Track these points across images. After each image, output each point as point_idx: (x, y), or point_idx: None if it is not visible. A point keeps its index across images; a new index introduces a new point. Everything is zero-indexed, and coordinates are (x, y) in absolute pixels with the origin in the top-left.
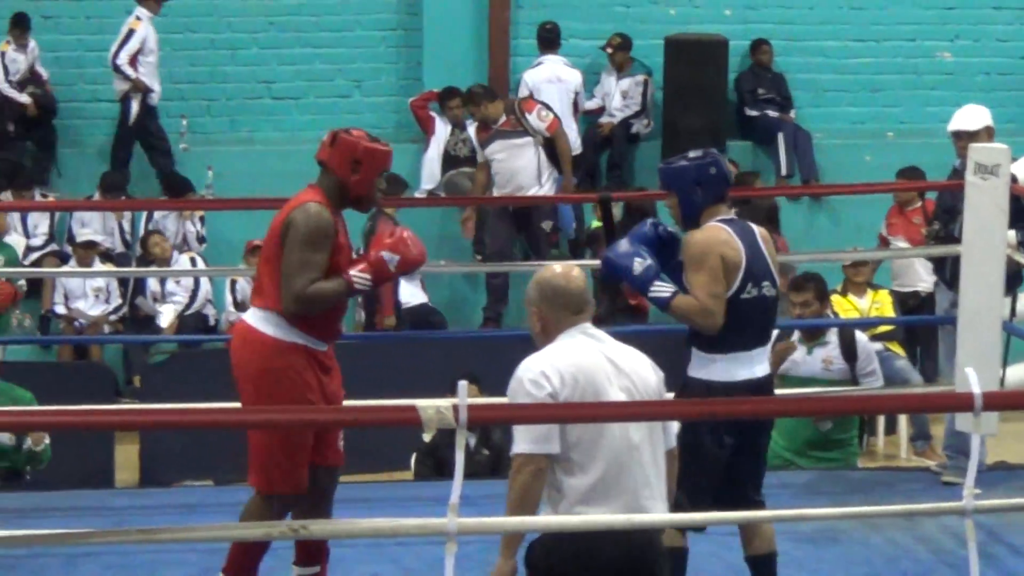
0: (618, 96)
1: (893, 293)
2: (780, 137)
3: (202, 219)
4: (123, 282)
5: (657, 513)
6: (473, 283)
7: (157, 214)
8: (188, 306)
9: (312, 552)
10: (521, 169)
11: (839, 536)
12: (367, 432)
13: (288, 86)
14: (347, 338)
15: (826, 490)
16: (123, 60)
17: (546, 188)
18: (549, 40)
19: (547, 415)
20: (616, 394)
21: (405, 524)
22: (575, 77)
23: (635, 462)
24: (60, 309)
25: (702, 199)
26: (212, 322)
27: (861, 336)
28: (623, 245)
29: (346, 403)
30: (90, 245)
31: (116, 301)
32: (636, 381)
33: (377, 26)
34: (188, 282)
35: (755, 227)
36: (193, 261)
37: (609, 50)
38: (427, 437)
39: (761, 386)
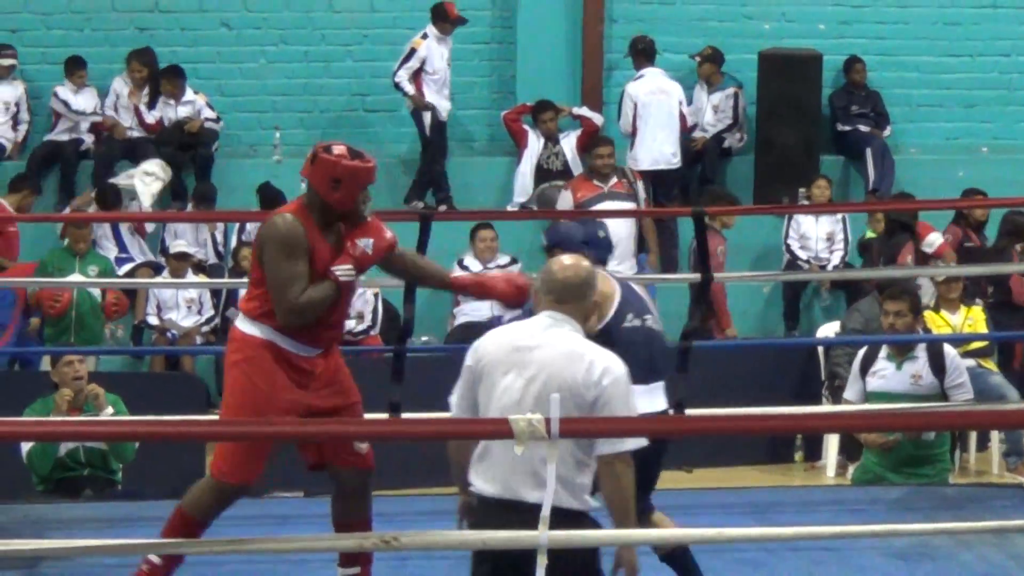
0: (710, 111)
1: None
2: (868, 152)
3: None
4: (215, 293)
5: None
6: None
7: (249, 226)
8: None
9: (353, 553)
10: (625, 237)
11: (930, 552)
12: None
13: (381, 99)
14: (434, 350)
15: (918, 506)
16: (402, 77)
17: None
18: (647, 53)
19: (639, 428)
20: (506, 378)
21: (495, 536)
22: (677, 89)
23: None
24: (153, 320)
25: (597, 254)
26: None
27: (950, 350)
28: None
29: (439, 415)
30: (183, 256)
31: (208, 312)
32: (546, 375)
33: (471, 39)
34: None
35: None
36: None
37: (698, 59)
38: (519, 450)
39: None
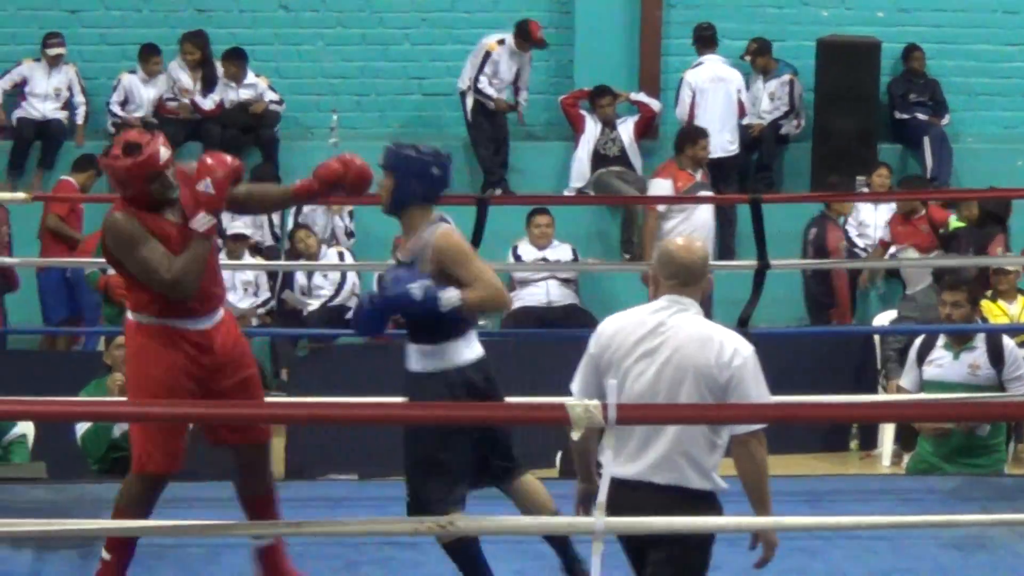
0: (766, 98)
1: None
2: (926, 141)
3: (351, 214)
4: (271, 275)
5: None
6: (623, 282)
7: (306, 208)
8: (332, 299)
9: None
10: (703, 224)
11: (986, 543)
12: (513, 430)
13: (438, 82)
14: (494, 335)
15: (973, 496)
16: (484, 83)
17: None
18: (707, 40)
19: (702, 415)
20: (638, 365)
21: (552, 522)
22: (736, 76)
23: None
24: None
25: (418, 194)
26: None
27: (1009, 341)
28: (391, 276)
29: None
30: (240, 238)
31: (265, 294)
32: (676, 359)
33: None
34: (335, 276)
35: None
36: (341, 255)
37: (748, 58)
38: (575, 436)
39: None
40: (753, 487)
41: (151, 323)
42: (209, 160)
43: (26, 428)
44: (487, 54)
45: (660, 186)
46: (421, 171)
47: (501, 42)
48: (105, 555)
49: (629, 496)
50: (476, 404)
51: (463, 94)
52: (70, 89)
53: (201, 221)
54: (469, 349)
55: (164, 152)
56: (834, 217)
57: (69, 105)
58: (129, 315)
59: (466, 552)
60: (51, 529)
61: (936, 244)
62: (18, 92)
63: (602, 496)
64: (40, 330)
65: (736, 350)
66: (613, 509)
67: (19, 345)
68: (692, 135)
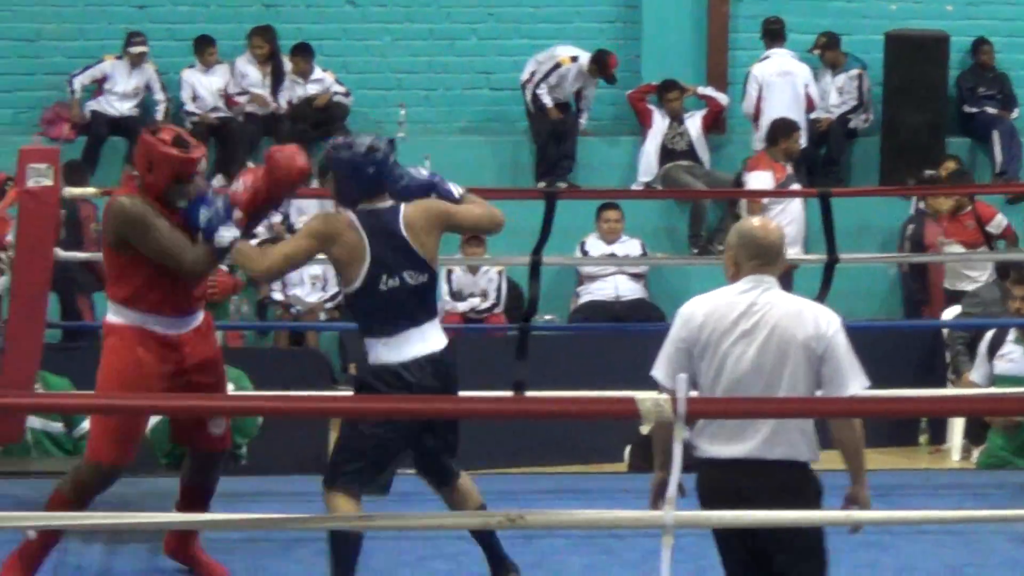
0: (834, 92)
1: None
2: (995, 134)
3: None
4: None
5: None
6: (690, 276)
7: None
8: None
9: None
10: (799, 216)
11: None
12: (580, 424)
13: (505, 77)
14: (562, 328)
15: None
16: (543, 92)
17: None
18: (775, 34)
19: (763, 410)
20: (736, 347)
21: (622, 516)
22: (804, 71)
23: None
24: (277, 296)
25: (358, 192)
26: None
27: None
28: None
29: (563, 394)
30: None
31: (332, 289)
32: (776, 336)
33: (596, 18)
34: None
35: (410, 213)
36: None
37: (817, 51)
38: (645, 429)
39: (441, 359)
40: (853, 455)
41: (126, 323)
42: (260, 166)
43: None
44: (556, 65)
45: (760, 179)
46: (356, 170)
47: (574, 59)
48: (31, 535)
49: (734, 477)
50: (545, 398)
51: (523, 87)
52: (149, 87)
53: (223, 236)
54: (392, 351)
55: (201, 164)
56: (931, 213)
57: (145, 103)
58: (108, 314)
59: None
60: (121, 522)
61: (982, 241)
62: (95, 88)
63: (672, 490)
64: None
65: (829, 320)
66: (712, 494)
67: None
68: (786, 128)
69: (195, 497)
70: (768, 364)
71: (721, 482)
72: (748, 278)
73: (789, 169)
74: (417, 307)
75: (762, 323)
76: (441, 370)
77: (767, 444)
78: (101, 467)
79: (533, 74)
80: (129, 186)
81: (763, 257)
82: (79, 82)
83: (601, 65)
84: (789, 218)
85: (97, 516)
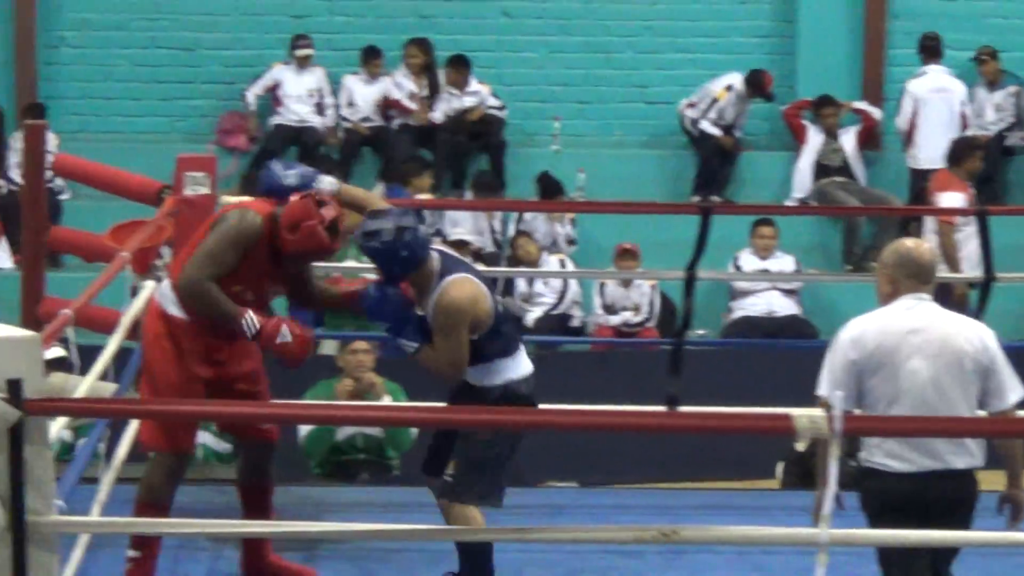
0: (991, 109)
1: None
2: None
3: (572, 221)
4: (492, 282)
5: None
6: (844, 293)
7: (528, 215)
8: (554, 307)
9: (140, 536)
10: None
11: None
12: (733, 439)
13: (661, 91)
14: (710, 344)
15: None
16: (706, 125)
17: None
18: (932, 50)
19: (922, 428)
20: (910, 362)
21: (776, 533)
22: (959, 88)
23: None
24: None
25: (401, 271)
26: (576, 323)
27: None
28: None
29: (718, 409)
30: (461, 244)
31: None
32: (946, 351)
33: (752, 33)
34: (557, 283)
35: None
36: (562, 263)
37: (984, 56)
38: (800, 446)
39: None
40: (1014, 458)
41: (176, 315)
42: (302, 340)
43: None
44: (714, 101)
45: (953, 199)
46: (391, 256)
47: (729, 88)
48: (132, 553)
49: (919, 489)
50: (699, 412)
51: (681, 113)
52: (320, 91)
53: (248, 322)
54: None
55: (283, 335)
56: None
57: (320, 107)
58: (155, 297)
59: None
60: (277, 531)
61: None
62: (271, 98)
63: (827, 507)
64: None
65: (987, 333)
66: (890, 505)
67: None
68: (969, 147)
69: (256, 498)
70: (943, 378)
71: (902, 494)
72: (909, 296)
73: (972, 188)
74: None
75: (932, 339)
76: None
77: (952, 455)
78: (163, 458)
79: (693, 106)
80: (269, 213)
81: (921, 276)
82: (252, 94)
83: (757, 86)
84: (972, 238)
85: (251, 525)
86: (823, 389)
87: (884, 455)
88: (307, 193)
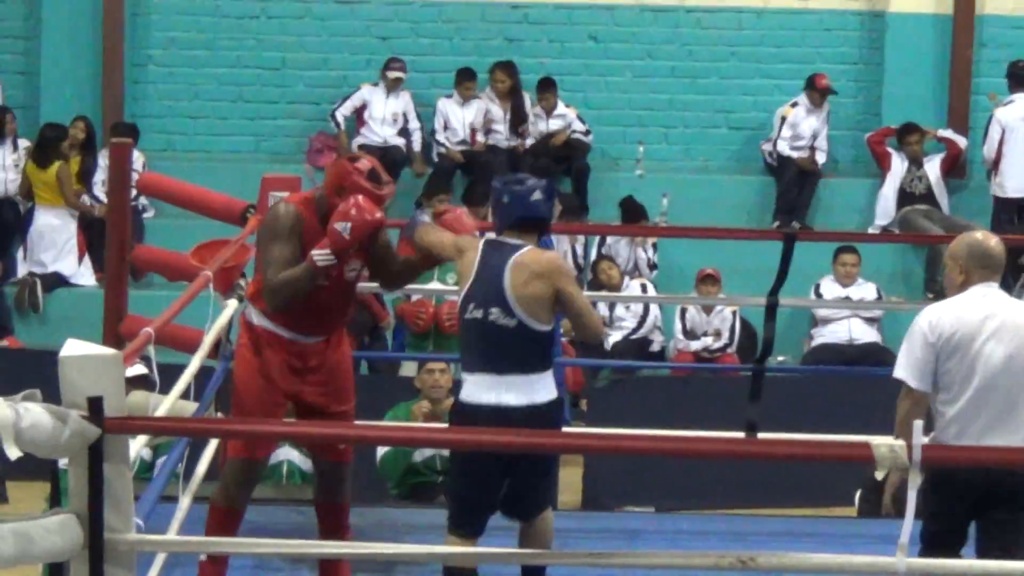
0: None
1: None
2: None
3: (654, 245)
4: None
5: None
6: None
7: (610, 239)
8: (635, 331)
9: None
10: None
11: None
12: (811, 466)
13: (746, 116)
14: (796, 370)
15: None
16: (783, 147)
17: None
18: (1021, 78)
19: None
20: (986, 346)
21: (854, 561)
22: None
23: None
24: None
25: (499, 220)
26: (657, 348)
27: None
28: None
29: (797, 436)
30: None
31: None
32: (1019, 335)
33: (838, 60)
34: (637, 308)
35: (519, 257)
36: (644, 287)
37: None
38: (879, 475)
39: (507, 414)
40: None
41: (259, 324)
42: (359, 205)
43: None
44: (783, 119)
45: None
46: (496, 199)
47: (794, 104)
48: (203, 557)
49: (989, 476)
50: (775, 440)
51: (763, 154)
52: (406, 115)
53: (319, 255)
54: (470, 392)
55: (378, 214)
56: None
57: (405, 132)
58: (246, 311)
59: None
60: (353, 552)
61: None
62: (356, 118)
63: (904, 537)
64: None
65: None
66: (967, 488)
67: None
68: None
69: (332, 518)
70: (1016, 362)
71: (982, 472)
72: (981, 285)
73: None
74: (501, 352)
75: (1005, 325)
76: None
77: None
78: (235, 462)
79: (769, 140)
80: (302, 195)
81: (992, 266)
82: (341, 115)
83: (812, 86)
84: None
85: (327, 546)
86: (902, 372)
87: (954, 438)
88: (339, 155)
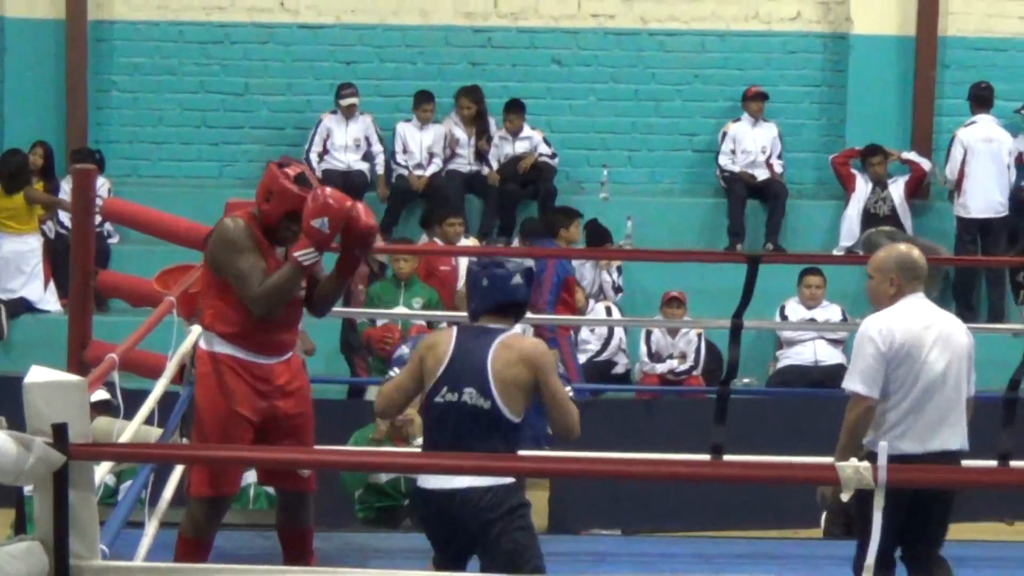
0: None
1: None
2: None
3: (619, 269)
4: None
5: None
6: None
7: (575, 262)
8: (599, 353)
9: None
10: None
11: None
12: (777, 489)
13: (709, 139)
14: (759, 392)
15: None
16: (724, 162)
17: None
18: (983, 99)
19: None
20: (931, 354)
21: None
22: (1007, 138)
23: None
24: None
25: (476, 303)
26: (621, 370)
27: None
28: None
29: (763, 459)
30: None
31: None
32: (952, 343)
33: (801, 82)
34: (602, 330)
35: (505, 339)
36: (608, 310)
37: (1022, 113)
38: (845, 497)
39: (468, 495)
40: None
41: (220, 352)
42: (330, 199)
43: None
44: (724, 134)
45: None
46: (473, 283)
47: (736, 120)
48: None
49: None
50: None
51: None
52: (367, 139)
53: (302, 255)
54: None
55: (322, 222)
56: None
57: (368, 155)
58: (200, 343)
59: None
60: None
61: None
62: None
63: (870, 558)
64: (329, 379)
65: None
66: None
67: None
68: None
69: (295, 543)
70: (953, 368)
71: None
72: (912, 295)
73: None
74: (471, 435)
75: (943, 334)
76: (456, 509)
77: (956, 439)
78: (204, 500)
79: (717, 160)
80: (242, 211)
81: (920, 277)
82: (315, 153)
83: (744, 98)
84: None
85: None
86: (855, 383)
87: (900, 439)
88: (274, 161)
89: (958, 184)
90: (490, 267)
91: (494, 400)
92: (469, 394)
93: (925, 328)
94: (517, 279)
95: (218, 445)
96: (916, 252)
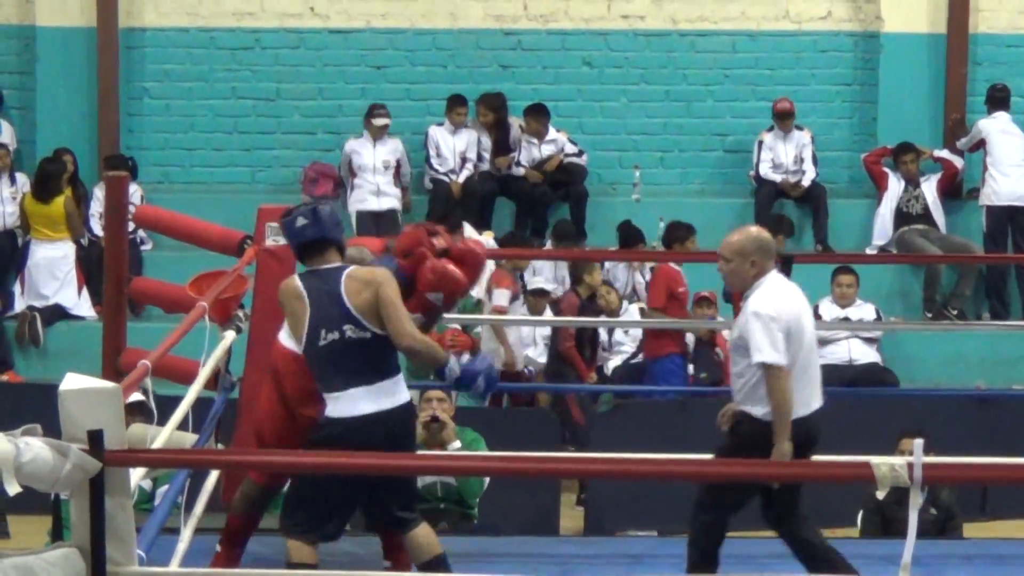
0: None
1: None
2: None
3: (652, 270)
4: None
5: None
6: (925, 341)
7: (608, 264)
8: (634, 355)
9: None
10: None
11: None
12: (813, 488)
13: (741, 139)
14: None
15: None
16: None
17: None
18: (999, 100)
19: (991, 476)
20: (807, 324)
21: None
22: (1020, 134)
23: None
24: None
25: (295, 255)
26: None
27: None
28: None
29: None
30: (541, 293)
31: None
32: (808, 313)
33: (832, 81)
34: (636, 332)
35: (348, 272)
36: (642, 312)
37: None
38: (881, 494)
39: (387, 416)
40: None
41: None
42: (448, 276)
43: None
44: (760, 142)
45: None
46: (288, 233)
47: (770, 128)
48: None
49: (818, 424)
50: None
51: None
52: (399, 162)
53: (414, 320)
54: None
55: (438, 297)
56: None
57: (398, 178)
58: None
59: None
60: None
61: None
62: (348, 171)
63: (907, 556)
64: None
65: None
66: (810, 439)
67: None
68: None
69: (237, 530)
70: (813, 336)
71: (814, 428)
72: (774, 273)
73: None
74: (366, 364)
75: (804, 302)
76: (392, 429)
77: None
78: (258, 485)
79: (754, 166)
80: (377, 244)
81: (773, 255)
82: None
83: (779, 115)
84: None
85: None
86: (773, 355)
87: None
88: (419, 224)
89: (982, 175)
90: (282, 220)
91: (371, 330)
92: (350, 331)
93: (796, 299)
94: (300, 220)
95: (251, 450)
96: (767, 233)
